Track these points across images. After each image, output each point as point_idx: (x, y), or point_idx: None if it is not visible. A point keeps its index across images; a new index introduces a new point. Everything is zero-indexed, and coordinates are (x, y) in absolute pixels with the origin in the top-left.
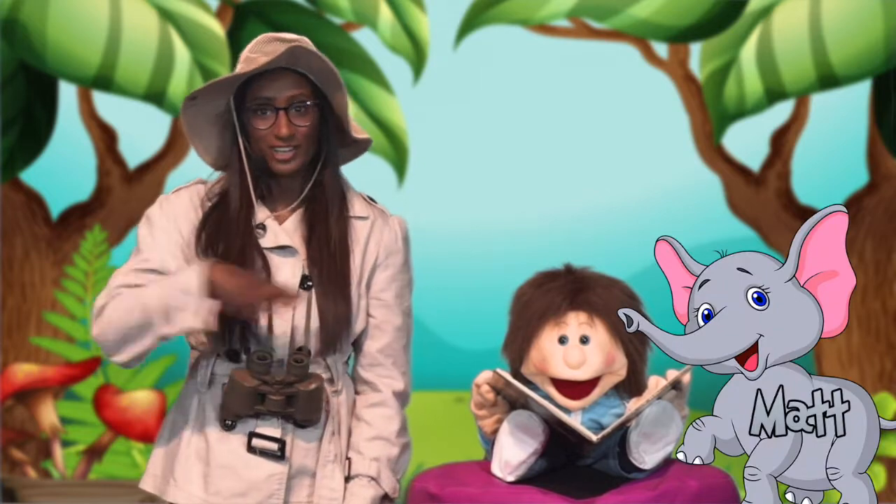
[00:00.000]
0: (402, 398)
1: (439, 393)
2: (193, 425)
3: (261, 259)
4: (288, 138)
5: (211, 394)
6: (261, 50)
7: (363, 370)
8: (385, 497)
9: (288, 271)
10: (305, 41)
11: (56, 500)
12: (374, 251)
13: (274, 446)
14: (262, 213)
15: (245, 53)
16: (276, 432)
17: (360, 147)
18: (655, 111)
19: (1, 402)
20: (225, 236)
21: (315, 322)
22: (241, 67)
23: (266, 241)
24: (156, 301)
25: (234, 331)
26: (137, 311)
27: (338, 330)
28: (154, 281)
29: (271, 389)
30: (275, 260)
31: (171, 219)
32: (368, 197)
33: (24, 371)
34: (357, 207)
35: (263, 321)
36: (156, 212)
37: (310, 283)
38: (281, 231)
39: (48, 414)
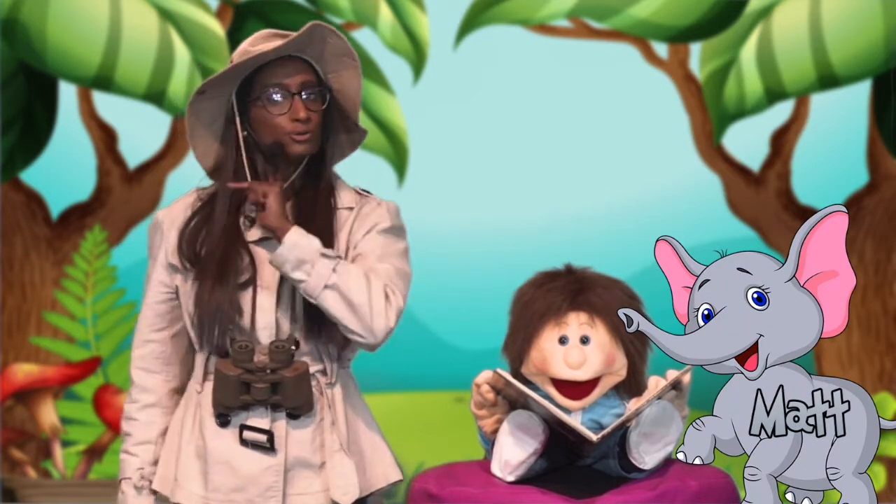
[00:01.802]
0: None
1: (439, 393)
2: (192, 424)
3: (247, 254)
4: (306, 121)
5: (206, 391)
6: (264, 43)
7: None
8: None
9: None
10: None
11: (56, 500)
12: (358, 231)
13: (262, 437)
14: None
15: (244, 48)
16: (264, 423)
17: (354, 140)
18: (655, 111)
19: (1, 402)
20: (209, 233)
21: (299, 309)
22: (242, 60)
23: (250, 235)
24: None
25: (216, 324)
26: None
27: (321, 315)
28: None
29: (255, 378)
30: (260, 253)
31: (159, 242)
32: (363, 189)
33: (24, 371)
34: (345, 199)
35: (247, 313)
36: (150, 240)
37: None
38: None
39: (48, 414)
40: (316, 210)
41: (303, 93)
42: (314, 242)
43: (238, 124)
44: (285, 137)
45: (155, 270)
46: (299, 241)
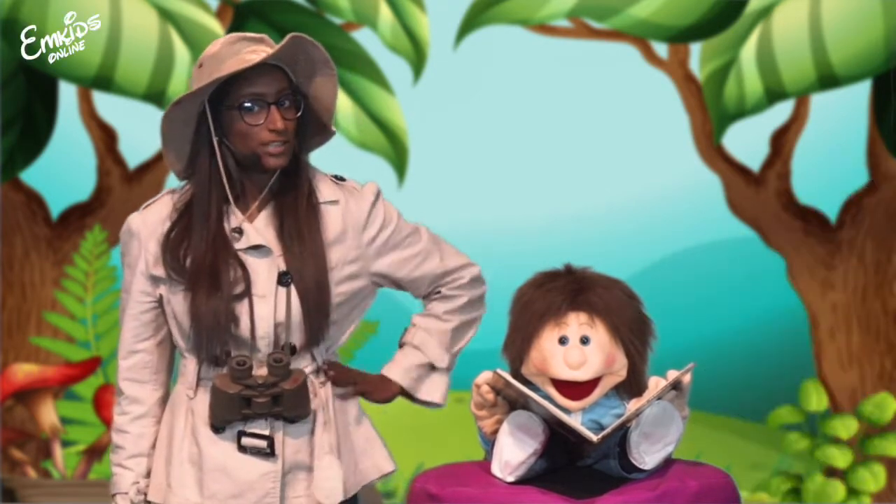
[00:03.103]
0: (473, 283)
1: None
2: (184, 430)
3: (237, 264)
4: (283, 132)
5: (199, 397)
6: (236, 51)
7: (430, 301)
8: (432, 367)
9: (264, 271)
10: (269, 40)
11: (56, 500)
12: (352, 233)
13: (262, 444)
14: (235, 217)
15: (215, 53)
16: (263, 430)
17: (325, 140)
18: (655, 111)
19: (1, 402)
20: (193, 245)
21: (297, 317)
22: (212, 68)
23: (239, 244)
24: None
25: (213, 336)
26: None
27: (321, 320)
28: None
29: (255, 393)
30: (250, 261)
31: (137, 252)
32: (337, 176)
33: (24, 371)
34: (325, 192)
35: (245, 324)
36: (125, 248)
37: (288, 279)
38: (252, 230)
39: (48, 414)
40: (297, 211)
41: (279, 102)
42: (410, 367)
43: (212, 130)
44: (261, 149)
45: (136, 280)
46: (408, 374)
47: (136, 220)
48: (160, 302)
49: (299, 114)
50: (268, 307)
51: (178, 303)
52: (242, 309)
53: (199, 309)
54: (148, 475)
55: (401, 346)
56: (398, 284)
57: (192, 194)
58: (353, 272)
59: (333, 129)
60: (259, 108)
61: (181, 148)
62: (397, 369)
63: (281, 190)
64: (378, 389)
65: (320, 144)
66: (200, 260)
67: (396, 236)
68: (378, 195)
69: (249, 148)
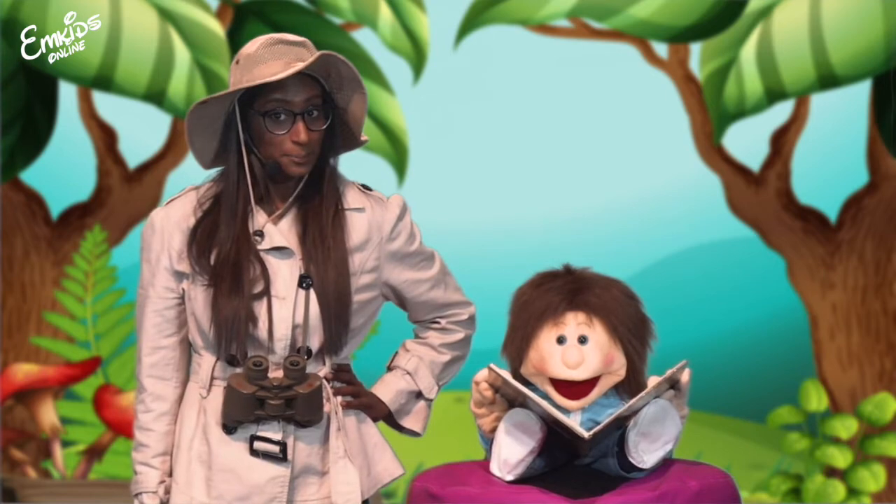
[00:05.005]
0: (470, 322)
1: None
2: (195, 428)
3: (258, 263)
4: (305, 144)
5: (211, 397)
6: (272, 54)
7: (427, 329)
8: (419, 395)
9: (286, 273)
10: (310, 44)
11: (56, 500)
12: (375, 242)
13: (275, 448)
14: (260, 218)
15: (249, 52)
16: (276, 434)
17: (352, 146)
18: (655, 111)
19: (1, 402)
20: (218, 243)
21: (316, 321)
22: (245, 69)
23: (261, 244)
24: None
25: (232, 335)
26: None
27: (340, 326)
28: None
29: (269, 395)
30: (271, 262)
31: (159, 247)
32: (364, 186)
33: (24, 371)
34: (351, 199)
35: (263, 324)
36: (146, 244)
37: (309, 282)
38: (276, 232)
39: (48, 414)
40: (322, 216)
41: (306, 112)
42: (400, 391)
43: (240, 131)
44: (283, 159)
45: (158, 276)
46: (398, 402)
47: (159, 216)
48: (183, 298)
49: (328, 123)
50: (287, 309)
51: (198, 299)
52: (261, 309)
53: (218, 305)
54: (171, 474)
55: (390, 368)
56: (401, 302)
57: (219, 190)
58: (370, 281)
59: (364, 137)
60: (285, 116)
61: (208, 143)
62: (388, 392)
63: (308, 194)
64: (374, 406)
65: (349, 150)
66: (225, 256)
67: (416, 256)
68: (405, 208)
69: (272, 156)
